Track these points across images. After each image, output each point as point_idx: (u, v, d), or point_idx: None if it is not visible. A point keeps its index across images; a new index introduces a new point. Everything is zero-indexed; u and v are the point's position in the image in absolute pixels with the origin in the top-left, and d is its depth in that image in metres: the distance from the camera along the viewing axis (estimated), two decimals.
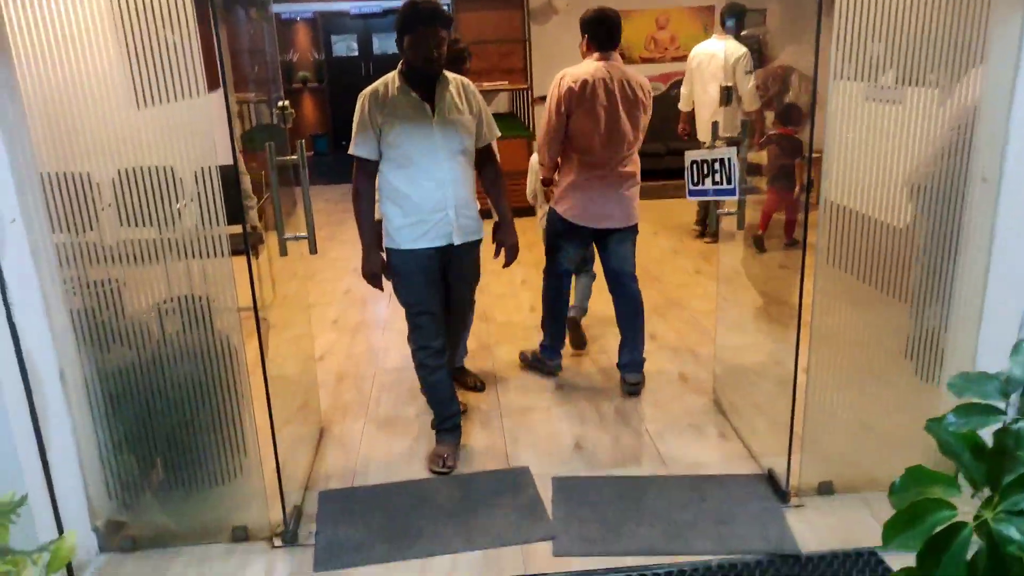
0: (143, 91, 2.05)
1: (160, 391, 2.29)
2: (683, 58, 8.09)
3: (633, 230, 3.33)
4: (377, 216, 2.80)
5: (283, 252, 2.52)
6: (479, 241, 2.83)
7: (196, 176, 2.10)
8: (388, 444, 3.02)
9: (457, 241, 2.70)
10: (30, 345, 2.10)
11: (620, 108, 3.15)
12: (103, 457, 2.32)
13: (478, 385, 3.43)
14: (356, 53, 10.61)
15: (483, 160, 2.84)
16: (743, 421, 3.04)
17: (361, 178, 2.67)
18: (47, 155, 2.10)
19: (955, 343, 2.53)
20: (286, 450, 2.42)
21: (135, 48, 2.02)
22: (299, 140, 2.46)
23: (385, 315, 4.45)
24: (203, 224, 2.15)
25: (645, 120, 3.27)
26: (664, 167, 7.56)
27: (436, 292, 2.76)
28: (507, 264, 2.90)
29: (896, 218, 2.41)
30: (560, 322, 3.52)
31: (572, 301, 3.95)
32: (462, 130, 2.65)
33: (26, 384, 2.09)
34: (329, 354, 3.94)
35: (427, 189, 2.62)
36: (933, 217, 2.42)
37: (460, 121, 2.64)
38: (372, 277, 2.74)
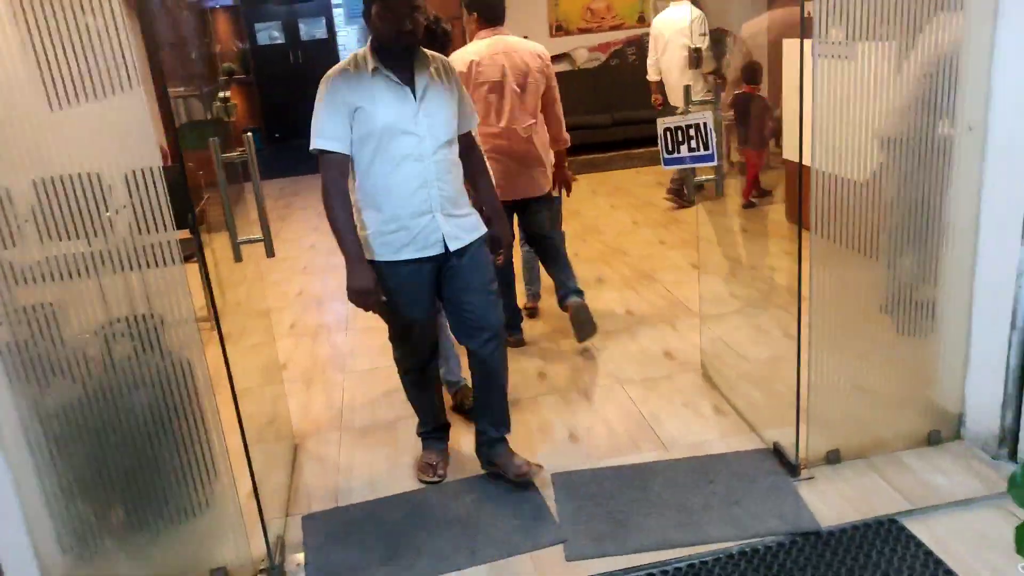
0: (64, 87, 1.76)
1: (112, 424, 2.02)
2: (620, 27, 8.02)
3: (545, 200, 3.39)
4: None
5: (238, 257, 2.26)
6: (482, 240, 2.42)
7: (136, 179, 1.83)
8: (369, 456, 2.80)
9: (453, 247, 2.32)
10: None
11: (512, 81, 3.19)
12: (51, 508, 2.03)
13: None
14: (282, 41, 10.14)
15: (465, 149, 2.46)
16: (737, 394, 2.94)
17: (333, 176, 2.22)
18: None
19: (947, 295, 2.49)
20: (261, 473, 2.19)
21: (48, 38, 1.73)
22: (246, 133, 2.18)
23: (345, 314, 4.20)
24: (148, 231, 1.88)
25: (547, 87, 3.29)
26: (611, 139, 7.43)
27: (424, 309, 2.42)
28: (504, 260, 2.68)
29: (862, 175, 2.34)
30: (508, 297, 3.52)
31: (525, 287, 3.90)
32: (448, 117, 2.30)
33: None
34: (291, 362, 3.68)
35: (409, 188, 2.24)
36: (917, 169, 2.36)
37: (445, 106, 2.29)
38: (362, 295, 2.27)
